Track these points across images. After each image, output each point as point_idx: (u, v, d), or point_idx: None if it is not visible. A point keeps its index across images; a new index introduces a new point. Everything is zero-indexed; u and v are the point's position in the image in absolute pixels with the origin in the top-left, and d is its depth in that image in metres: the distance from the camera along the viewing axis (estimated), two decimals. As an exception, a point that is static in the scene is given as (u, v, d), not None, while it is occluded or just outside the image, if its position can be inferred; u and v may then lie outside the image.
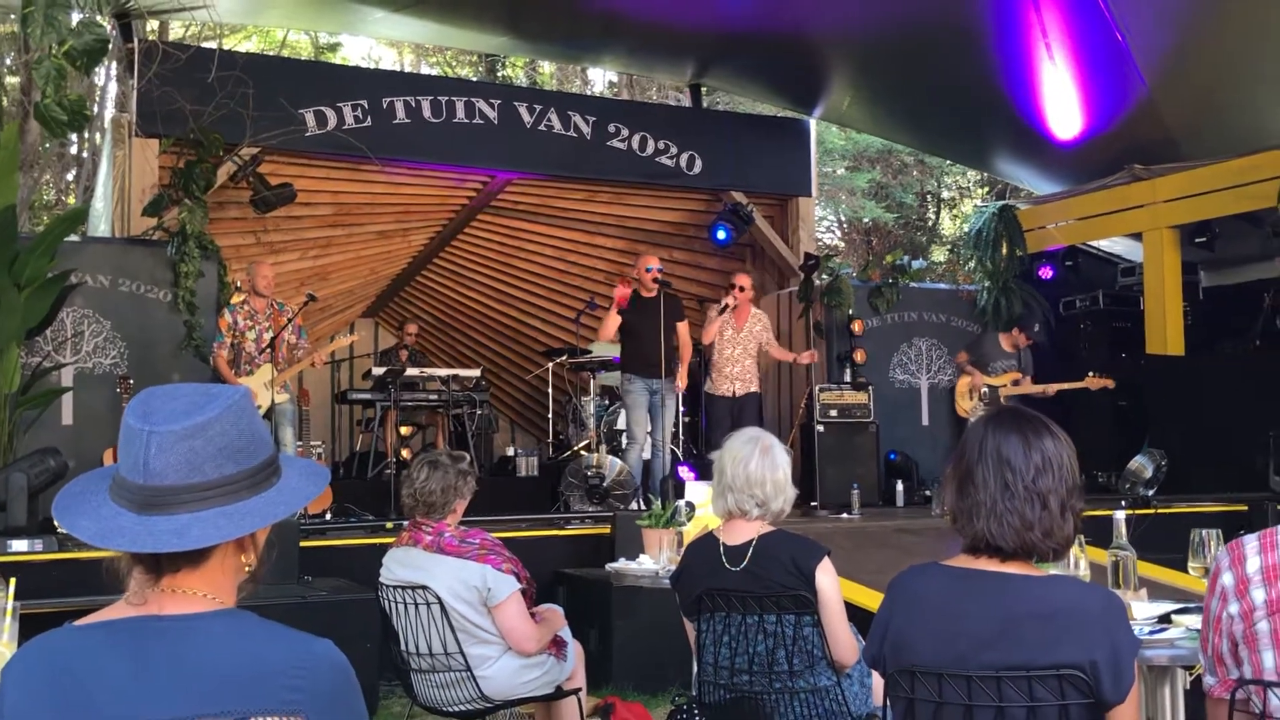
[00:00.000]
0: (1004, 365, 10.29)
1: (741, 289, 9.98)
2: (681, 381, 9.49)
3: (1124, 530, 3.68)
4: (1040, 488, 2.28)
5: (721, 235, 11.74)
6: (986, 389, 10.20)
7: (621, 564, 6.81)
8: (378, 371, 11.14)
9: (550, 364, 11.85)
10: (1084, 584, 2.42)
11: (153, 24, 13.04)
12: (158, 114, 9.10)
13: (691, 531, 6.45)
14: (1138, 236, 11.39)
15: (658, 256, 9.72)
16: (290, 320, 8.97)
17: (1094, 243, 12.36)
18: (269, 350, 8.79)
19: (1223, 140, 10.36)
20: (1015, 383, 10.21)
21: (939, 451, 11.07)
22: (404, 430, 11.74)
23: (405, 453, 11.19)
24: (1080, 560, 3.63)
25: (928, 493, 10.63)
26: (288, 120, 9.63)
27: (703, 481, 8.44)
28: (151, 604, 1.61)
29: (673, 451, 10.46)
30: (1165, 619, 3.37)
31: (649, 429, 9.36)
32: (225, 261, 9.49)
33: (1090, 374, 10.53)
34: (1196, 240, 10.79)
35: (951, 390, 11.42)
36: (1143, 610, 3.47)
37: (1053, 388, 10.36)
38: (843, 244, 22.96)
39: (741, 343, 9.99)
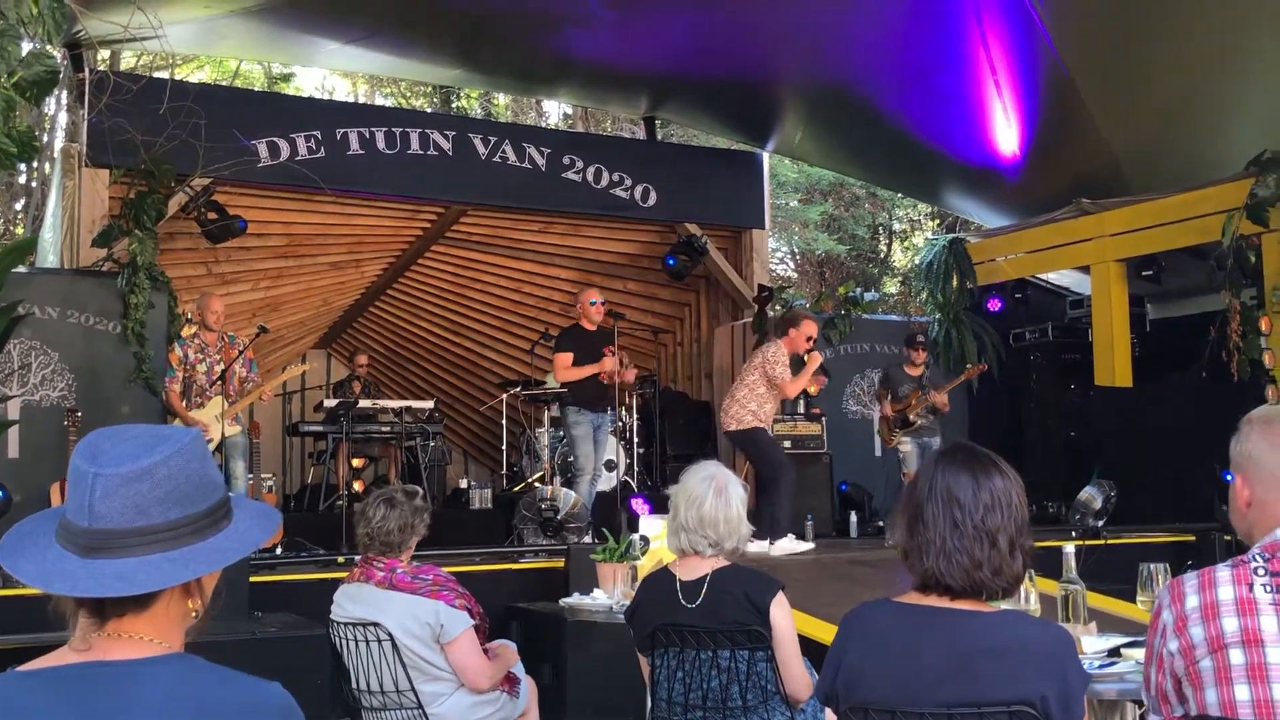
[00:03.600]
0: (909, 389, 10.31)
1: (814, 339, 8.96)
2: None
3: (1073, 563, 3.71)
4: (989, 526, 2.30)
5: (671, 262, 11.79)
6: (895, 414, 10.22)
7: (575, 599, 6.79)
8: (330, 403, 11.06)
9: (504, 395, 11.81)
10: (1033, 619, 2.43)
11: (104, 54, 12.95)
12: (108, 144, 9.02)
13: (646, 565, 6.45)
14: (1086, 269, 11.53)
15: (606, 289, 9.69)
16: (241, 353, 8.90)
17: (1043, 275, 12.50)
18: (220, 383, 8.72)
19: (1170, 173, 10.52)
20: (918, 400, 10.22)
21: (891, 482, 11.12)
22: (356, 463, 11.64)
23: (357, 485, 11.09)
24: (1031, 593, 3.66)
25: (881, 523, 10.67)
26: (240, 151, 9.59)
27: (656, 515, 8.45)
28: (96, 649, 1.58)
29: (626, 483, 10.45)
30: (1115, 652, 3.40)
31: (596, 459, 9.34)
32: (176, 293, 9.41)
33: (967, 366, 10.61)
34: (1143, 273, 10.93)
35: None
36: (1092, 644, 3.49)
37: (939, 394, 10.19)
38: (796, 275, 23.09)
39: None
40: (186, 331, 8.99)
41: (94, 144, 9.17)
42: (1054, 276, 12.63)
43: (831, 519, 10.67)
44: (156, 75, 11.78)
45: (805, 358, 8.79)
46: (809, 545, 8.60)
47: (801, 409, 11.19)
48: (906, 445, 10.21)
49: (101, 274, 9.05)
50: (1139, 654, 3.28)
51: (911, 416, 10.17)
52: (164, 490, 1.58)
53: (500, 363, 13.67)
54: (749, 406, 8.68)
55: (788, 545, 8.45)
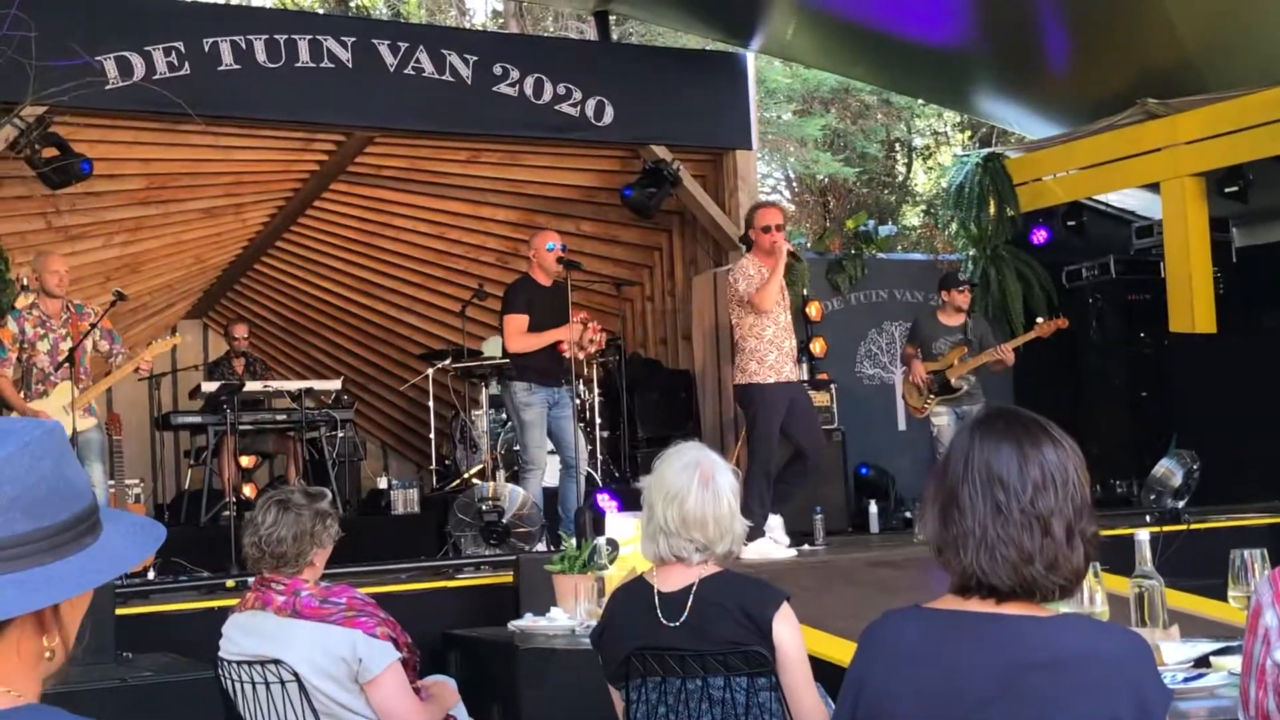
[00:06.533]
0: (948, 342, 10.18)
1: (780, 226, 8.90)
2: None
3: (1149, 553, 3.74)
4: (1040, 509, 2.30)
5: (629, 194, 11.67)
6: (929, 376, 10.05)
7: (528, 621, 6.80)
8: (208, 387, 11.01)
9: (430, 370, 11.78)
10: (1101, 625, 2.46)
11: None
12: (-89, 68, 8.92)
13: (615, 576, 6.47)
14: (1155, 187, 11.58)
15: (556, 232, 9.67)
16: (95, 324, 8.85)
17: (1102, 197, 12.55)
18: (68, 364, 8.67)
19: (1257, 63, 10.55)
20: (962, 359, 10.02)
21: (920, 462, 11.17)
22: (245, 461, 11.61)
23: (248, 489, 11.07)
24: (1096, 593, 3.69)
25: (908, 514, 10.72)
26: (83, 71, 9.49)
27: (628, 513, 8.47)
28: (-74, 702, 1.58)
29: (590, 475, 10.45)
30: (1203, 662, 3.44)
31: (550, 449, 9.33)
32: (7, 253, 9.33)
33: (1039, 320, 10.59)
34: (1227, 190, 10.99)
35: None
36: (1175, 652, 3.53)
37: (1005, 350, 10.07)
38: (793, 207, 23.12)
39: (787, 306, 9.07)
40: (23, 301, 8.92)
41: (-106, 67, 9.06)
42: (1115, 198, 12.69)
43: (846, 510, 10.74)
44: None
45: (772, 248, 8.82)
46: (789, 552, 8.63)
47: (806, 374, 11.23)
48: (942, 416, 10.11)
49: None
50: (1234, 663, 3.31)
51: (952, 379, 10.05)
52: (7, 497, 1.56)
53: (424, 329, 13.63)
54: (748, 347, 8.74)
55: (763, 548, 8.52)
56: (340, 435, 11.35)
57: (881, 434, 11.53)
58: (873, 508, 10.63)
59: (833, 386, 11.12)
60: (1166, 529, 8.49)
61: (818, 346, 11.71)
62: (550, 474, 9.58)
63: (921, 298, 12.03)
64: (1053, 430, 2.38)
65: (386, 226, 12.95)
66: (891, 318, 12.11)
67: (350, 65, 10.75)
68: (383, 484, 12.25)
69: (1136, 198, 12.55)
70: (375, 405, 14.53)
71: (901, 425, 11.66)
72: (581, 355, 9.40)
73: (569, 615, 6.59)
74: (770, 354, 8.74)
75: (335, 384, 11.51)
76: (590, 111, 11.60)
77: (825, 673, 3.85)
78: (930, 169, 23.56)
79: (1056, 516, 2.30)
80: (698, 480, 3.68)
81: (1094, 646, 2.29)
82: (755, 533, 8.45)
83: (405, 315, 13.76)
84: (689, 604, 3.65)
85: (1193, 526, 8.93)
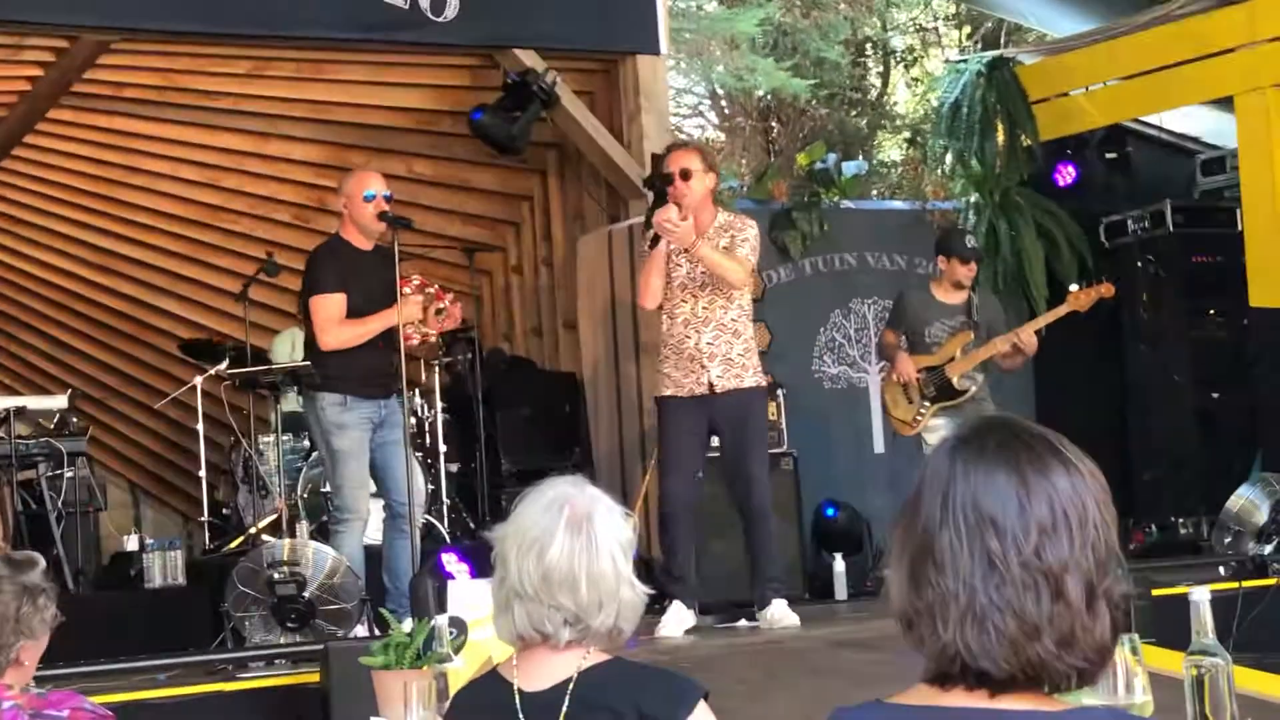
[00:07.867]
0: (947, 327, 10.25)
1: (686, 175, 9.18)
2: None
3: (1209, 618, 3.72)
4: (1049, 562, 2.24)
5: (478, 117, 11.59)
6: (922, 374, 10.06)
7: (341, 736, 6.80)
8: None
9: (198, 380, 11.70)
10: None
11: None
12: None
13: (464, 672, 6.45)
14: (1228, 104, 11.68)
15: (381, 174, 9.63)
16: None
17: (1154, 118, 12.65)
18: None
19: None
20: (966, 349, 9.99)
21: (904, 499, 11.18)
22: (-73, 515, 11.48)
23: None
24: (1135, 677, 3.66)
25: (888, 572, 10.75)
26: None
27: (484, 580, 8.47)
28: None
29: (430, 525, 10.40)
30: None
31: (374, 489, 9.30)
32: None
33: (1072, 289, 10.59)
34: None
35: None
36: (1253, 764, 3.54)
37: (1024, 335, 10.14)
38: (723, 136, 23.20)
39: (707, 279, 9.25)
40: None
41: None
42: (1173, 119, 12.81)
43: (801, 569, 10.76)
44: None
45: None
46: (683, 625, 8.86)
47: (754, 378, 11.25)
48: (939, 433, 10.10)
49: None
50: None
51: (953, 378, 10.05)
52: None
53: (188, 319, 13.64)
54: (660, 354, 9.27)
55: (675, 619, 8.78)
56: (68, 475, 11.24)
57: (851, 459, 11.59)
58: (838, 564, 10.67)
59: (780, 393, 11.07)
60: (1247, 584, 8.56)
61: (758, 337, 11.72)
62: (375, 525, 9.54)
63: (904, 264, 12.08)
64: (1065, 449, 2.32)
65: (132, 172, 12.92)
66: (863, 293, 12.14)
67: (76, -60, 10.68)
68: (131, 544, 12.16)
69: (1202, 119, 12.68)
70: (119, 431, 14.47)
71: (879, 446, 11.70)
72: (431, 339, 9.38)
73: (397, 727, 6.58)
74: (669, 359, 9.12)
75: (60, 401, 11.40)
76: (425, 2, 11.53)
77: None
78: (915, 81, 23.75)
79: (1072, 571, 2.24)
80: (565, 522, 3.63)
81: (1130, 755, 2.28)
82: (668, 597, 8.57)
83: (161, 299, 13.74)
84: (564, 708, 3.62)
85: (1282, 583, 9.04)
